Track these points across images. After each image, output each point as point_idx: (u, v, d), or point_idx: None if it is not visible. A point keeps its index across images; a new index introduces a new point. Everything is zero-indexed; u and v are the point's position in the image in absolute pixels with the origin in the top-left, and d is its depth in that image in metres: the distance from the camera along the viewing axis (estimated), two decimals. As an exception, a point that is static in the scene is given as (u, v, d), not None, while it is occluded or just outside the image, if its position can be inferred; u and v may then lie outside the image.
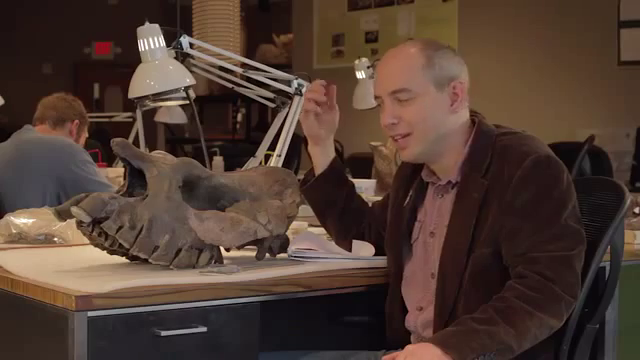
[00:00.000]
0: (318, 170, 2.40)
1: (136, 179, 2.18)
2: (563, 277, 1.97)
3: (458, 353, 1.88)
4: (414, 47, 2.14)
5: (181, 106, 5.40)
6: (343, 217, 2.41)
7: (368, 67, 5.05)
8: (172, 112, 5.81)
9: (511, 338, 1.91)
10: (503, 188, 2.03)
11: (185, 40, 3.11)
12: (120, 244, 2.07)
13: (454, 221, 2.09)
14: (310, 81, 3.20)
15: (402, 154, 2.17)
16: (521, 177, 2.02)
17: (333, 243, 2.42)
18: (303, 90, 3.16)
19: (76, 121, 3.97)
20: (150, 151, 2.63)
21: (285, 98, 3.41)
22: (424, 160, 2.18)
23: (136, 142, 4.59)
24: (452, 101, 2.12)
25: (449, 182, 2.15)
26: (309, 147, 2.43)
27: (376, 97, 2.19)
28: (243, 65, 3.27)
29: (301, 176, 2.45)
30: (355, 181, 2.57)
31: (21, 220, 2.62)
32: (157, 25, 2.97)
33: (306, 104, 2.36)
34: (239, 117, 10.26)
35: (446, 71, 2.12)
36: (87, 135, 4.11)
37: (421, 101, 2.10)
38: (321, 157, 2.40)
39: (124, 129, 5.68)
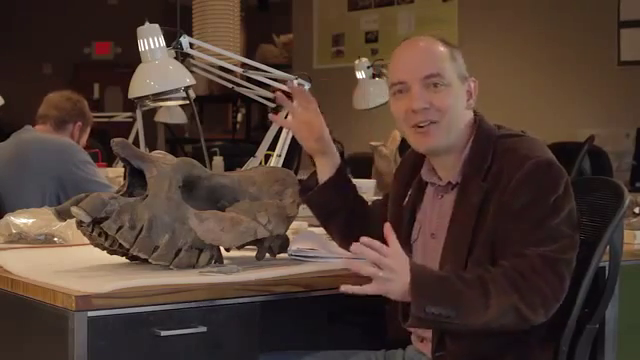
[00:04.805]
0: (322, 177, 2.33)
1: (136, 179, 2.18)
2: (548, 276, 1.94)
3: (421, 296, 1.87)
4: (435, 39, 2.16)
5: (181, 106, 5.38)
6: (348, 223, 2.35)
7: (368, 67, 5.04)
8: (172, 112, 5.79)
9: (479, 306, 1.88)
10: (502, 191, 2.02)
11: (185, 40, 3.11)
12: (120, 244, 2.07)
13: (454, 224, 2.09)
14: (310, 81, 3.21)
15: (423, 142, 2.12)
16: (520, 180, 2.00)
17: (333, 243, 2.42)
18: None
19: (78, 123, 3.94)
20: (150, 151, 2.63)
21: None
22: (438, 152, 2.14)
23: (136, 142, 4.58)
24: (468, 97, 2.14)
25: (449, 183, 2.14)
26: (314, 158, 2.35)
27: (396, 84, 2.13)
28: (243, 65, 3.27)
29: (301, 176, 2.43)
30: (355, 181, 2.56)
31: (21, 220, 2.62)
32: (157, 25, 2.97)
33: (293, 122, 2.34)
34: (239, 117, 10.24)
35: (463, 68, 2.15)
36: (87, 136, 4.09)
37: (451, 90, 2.11)
38: (325, 164, 2.33)
39: (124, 129, 5.67)
